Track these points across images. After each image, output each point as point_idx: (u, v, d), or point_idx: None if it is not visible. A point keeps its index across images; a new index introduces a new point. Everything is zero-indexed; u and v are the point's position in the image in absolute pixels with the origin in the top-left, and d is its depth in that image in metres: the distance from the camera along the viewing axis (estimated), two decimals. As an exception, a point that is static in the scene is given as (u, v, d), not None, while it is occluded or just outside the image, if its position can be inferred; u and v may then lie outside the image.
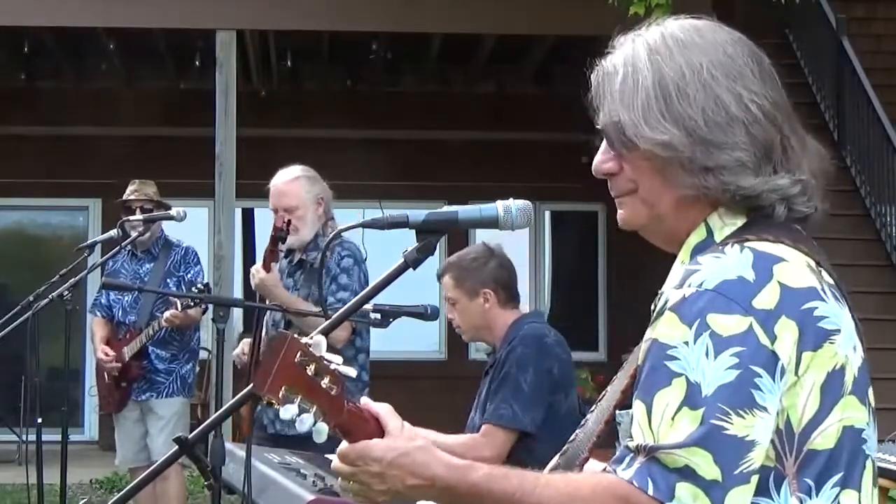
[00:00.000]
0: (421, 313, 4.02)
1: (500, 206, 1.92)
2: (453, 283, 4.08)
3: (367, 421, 1.69)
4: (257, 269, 4.89)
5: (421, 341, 12.06)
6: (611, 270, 12.60)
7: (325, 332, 1.89)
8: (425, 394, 11.45)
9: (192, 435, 1.94)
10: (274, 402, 1.60)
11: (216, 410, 2.79)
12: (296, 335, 1.64)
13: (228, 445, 3.72)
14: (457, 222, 1.92)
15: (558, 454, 1.93)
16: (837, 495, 1.59)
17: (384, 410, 1.72)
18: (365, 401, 1.73)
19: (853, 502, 1.61)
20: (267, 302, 4.92)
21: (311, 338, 1.66)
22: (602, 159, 1.75)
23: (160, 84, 12.06)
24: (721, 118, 1.64)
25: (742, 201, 1.66)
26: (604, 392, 1.89)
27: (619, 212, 1.77)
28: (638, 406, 1.57)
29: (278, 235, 4.82)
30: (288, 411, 1.59)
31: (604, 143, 1.75)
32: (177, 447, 1.90)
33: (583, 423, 1.90)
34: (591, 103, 1.75)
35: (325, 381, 1.63)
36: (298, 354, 1.62)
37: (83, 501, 8.23)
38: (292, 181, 5.03)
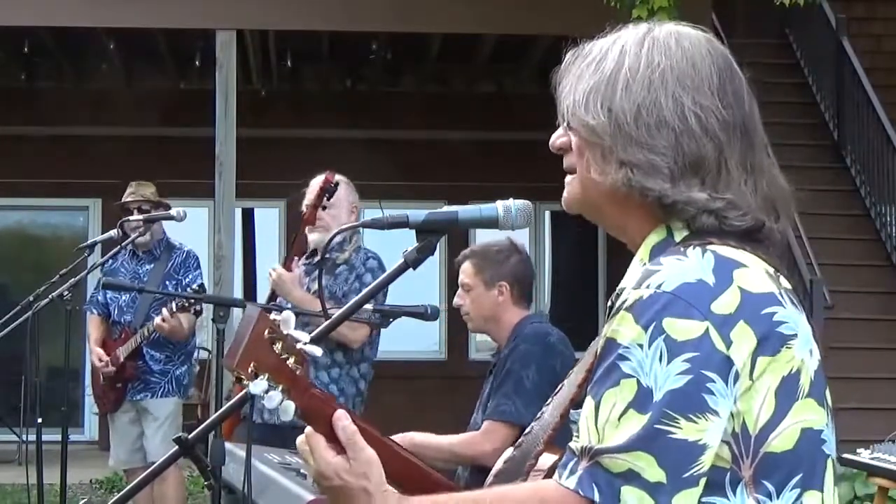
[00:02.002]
0: (421, 313, 4.03)
1: (500, 206, 1.92)
2: (473, 269, 4.08)
3: (329, 406, 1.68)
4: (276, 268, 4.89)
5: (421, 341, 12.06)
6: (611, 270, 12.59)
7: (327, 333, 1.88)
8: (425, 394, 11.46)
9: (192, 435, 1.93)
10: (243, 377, 1.59)
11: (216, 410, 2.79)
12: (265, 311, 1.64)
13: (228, 445, 3.72)
14: (457, 222, 1.92)
15: (513, 447, 1.93)
16: (799, 496, 1.60)
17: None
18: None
19: (816, 503, 1.61)
20: (279, 300, 4.92)
21: (281, 314, 1.66)
22: (558, 134, 1.79)
23: (160, 84, 12.06)
24: (652, 119, 1.66)
25: (657, 205, 1.66)
26: (560, 385, 1.89)
27: (564, 193, 1.81)
28: (588, 402, 1.59)
29: (327, 188, 4.78)
30: (258, 386, 1.59)
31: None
32: (177, 447, 1.90)
33: (539, 415, 1.91)
34: (556, 75, 1.79)
35: (290, 361, 1.63)
36: (267, 331, 1.61)
37: (83, 501, 8.24)
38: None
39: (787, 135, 9.36)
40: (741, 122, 1.70)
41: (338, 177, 5.06)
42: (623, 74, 1.68)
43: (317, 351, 1.66)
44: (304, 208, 4.99)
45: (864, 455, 5.08)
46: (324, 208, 4.85)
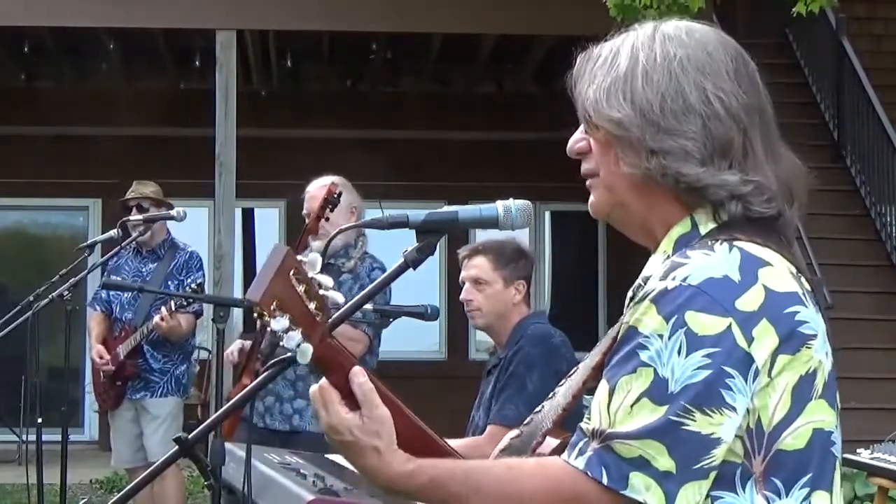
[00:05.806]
0: (421, 313, 4.02)
1: (500, 206, 1.92)
2: (492, 265, 4.03)
3: (346, 359, 1.68)
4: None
5: (421, 341, 12.06)
6: (611, 270, 12.59)
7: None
8: (425, 394, 11.40)
9: (191, 435, 1.93)
10: (265, 313, 1.58)
11: (216, 410, 2.79)
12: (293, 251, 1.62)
13: (228, 445, 3.72)
14: (457, 222, 1.91)
15: (522, 423, 1.93)
16: (808, 495, 1.61)
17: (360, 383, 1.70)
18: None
19: (825, 503, 1.62)
20: None
21: (307, 255, 1.65)
22: (575, 139, 1.80)
23: (160, 84, 12.06)
24: (678, 106, 1.67)
25: (688, 191, 1.67)
26: (575, 368, 1.90)
27: (590, 198, 1.80)
28: (602, 386, 1.60)
29: (330, 198, 4.73)
30: (279, 323, 1.58)
31: (582, 125, 1.79)
32: (177, 447, 1.90)
33: (551, 395, 1.91)
34: (569, 80, 1.80)
35: (312, 305, 1.62)
36: (293, 272, 1.60)
37: (83, 501, 8.23)
38: (325, 186, 4.94)
39: (787, 135, 9.30)
40: (759, 106, 1.72)
41: (337, 179, 5.02)
42: (640, 68, 1.70)
43: (339, 297, 1.66)
44: (305, 215, 4.94)
45: (864, 455, 5.08)
46: (327, 219, 4.81)
